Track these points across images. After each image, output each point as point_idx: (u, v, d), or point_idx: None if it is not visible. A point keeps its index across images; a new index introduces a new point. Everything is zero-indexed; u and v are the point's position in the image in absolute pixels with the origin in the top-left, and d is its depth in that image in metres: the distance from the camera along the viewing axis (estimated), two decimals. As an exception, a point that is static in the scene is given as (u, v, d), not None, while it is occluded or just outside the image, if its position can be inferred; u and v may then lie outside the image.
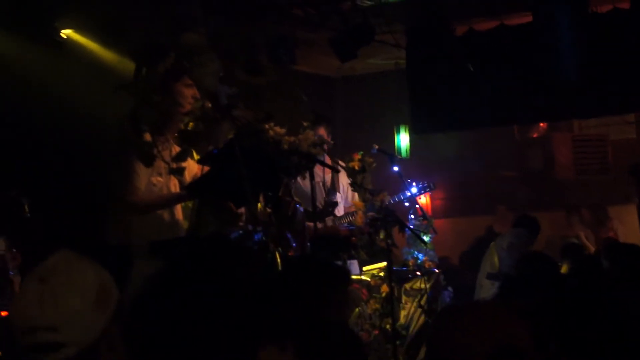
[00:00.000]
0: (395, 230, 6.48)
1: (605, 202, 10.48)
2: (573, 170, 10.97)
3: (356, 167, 6.85)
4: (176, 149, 4.62)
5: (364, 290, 6.73)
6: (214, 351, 1.67)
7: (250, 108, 4.62)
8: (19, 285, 5.30)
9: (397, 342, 6.37)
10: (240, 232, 4.61)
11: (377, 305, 6.68)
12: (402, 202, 7.55)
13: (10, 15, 6.45)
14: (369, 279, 6.80)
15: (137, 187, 4.50)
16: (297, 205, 5.06)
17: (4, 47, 6.55)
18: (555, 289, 4.02)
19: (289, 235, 4.90)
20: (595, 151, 11.08)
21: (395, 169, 7.41)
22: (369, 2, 7.72)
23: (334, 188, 7.08)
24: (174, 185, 4.66)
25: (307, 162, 5.08)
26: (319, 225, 6.00)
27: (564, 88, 7.42)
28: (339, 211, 6.98)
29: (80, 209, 6.46)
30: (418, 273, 7.25)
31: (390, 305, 6.26)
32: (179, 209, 4.68)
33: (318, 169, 6.25)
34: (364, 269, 6.90)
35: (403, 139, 10.59)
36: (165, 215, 4.62)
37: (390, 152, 8.07)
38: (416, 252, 7.77)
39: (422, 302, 7.03)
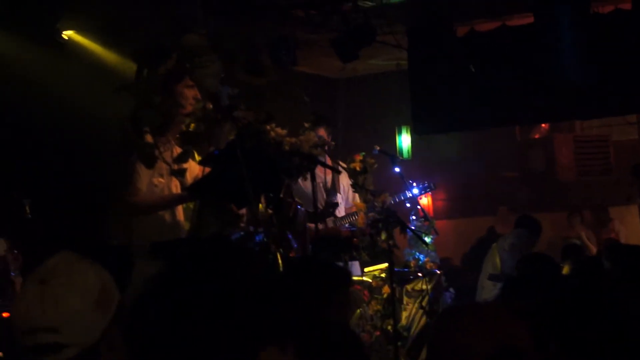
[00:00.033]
0: (396, 231, 6.48)
1: (607, 203, 10.48)
2: (575, 171, 10.97)
3: (357, 168, 6.85)
4: (177, 150, 4.63)
5: (366, 292, 6.72)
6: (214, 352, 1.67)
7: (251, 109, 4.62)
8: (20, 287, 5.31)
9: (399, 343, 6.36)
10: (242, 233, 4.61)
11: (379, 307, 6.67)
12: (403, 202, 7.55)
13: (12, 17, 6.45)
14: (370, 280, 6.80)
15: (138, 188, 4.51)
16: (299, 207, 5.06)
17: (6, 48, 6.56)
18: (557, 290, 4.02)
19: (290, 236, 4.90)
20: (597, 152, 11.07)
21: (397, 169, 7.40)
22: (370, 3, 7.72)
23: (334, 189, 7.08)
24: (175, 186, 4.67)
25: (308, 164, 5.08)
26: (320, 226, 6.00)
27: (565, 89, 7.41)
28: (340, 212, 6.98)
29: (82, 210, 6.46)
30: (419, 274, 7.24)
31: (392, 306, 6.26)
32: (180, 210, 4.69)
33: (319, 170, 6.25)
34: (366, 270, 6.90)
35: (404, 140, 10.59)
36: (167, 216, 4.62)
37: (391, 153, 8.07)
38: (417, 253, 7.77)
39: (424, 303, 7.02)
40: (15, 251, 5.66)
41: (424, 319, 6.99)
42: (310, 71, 10.12)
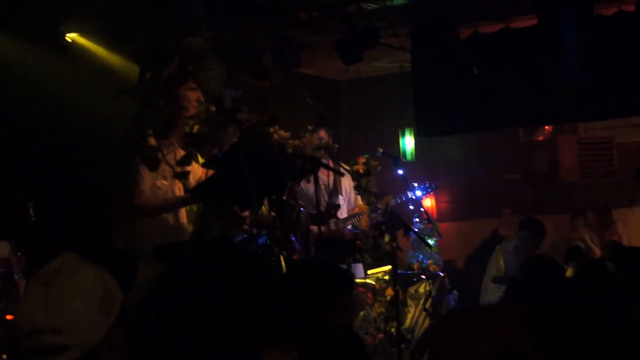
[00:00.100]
0: (400, 233, 6.48)
1: (610, 205, 10.47)
2: (578, 173, 10.96)
3: (361, 171, 6.85)
4: (181, 152, 4.63)
5: (369, 294, 6.72)
6: (217, 354, 1.68)
7: (254, 111, 4.62)
8: (24, 289, 5.32)
9: (402, 346, 6.36)
10: (245, 235, 4.61)
11: (382, 309, 6.67)
12: (406, 204, 7.55)
13: (15, 19, 6.47)
14: (373, 283, 6.80)
15: (142, 190, 4.51)
16: (302, 209, 5.06)
17: (10, 50, 6.57)
18: (560, 292, 4.01)
19: (293, 239, 4.90)
20: (601, 154, 11.06)
21: (400, 172, 7.40)
22: (373, 6, 7.73)
23: (336, 190, 7.08)
24: (179, 189, 4.67)
25: (311, 166, 5.08)
26: (323, 228, 6.00)
27: (568, 91, 7.41)
28: (342, 214, 6.98)
29: (85, 213, 6.47)
30: (423, 276, 7.24)
31: (395, 308, 6.26)
32: (183, 213, 4.69)
33: (321, 172, 6.25)
34: (369, 272, 6.90)
35: (408, 142, 10.59)
36: (170, 218, 4.63)
37: (395, 155, 8.07)
38: (421, 256, 7.78)
39: (427, 306, 7.02)
40: (19, 254, 5.67)
41: (427, 321, 6.98)
42: (313, 73, 10.13)
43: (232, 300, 1.71)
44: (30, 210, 5.79)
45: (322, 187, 6.72)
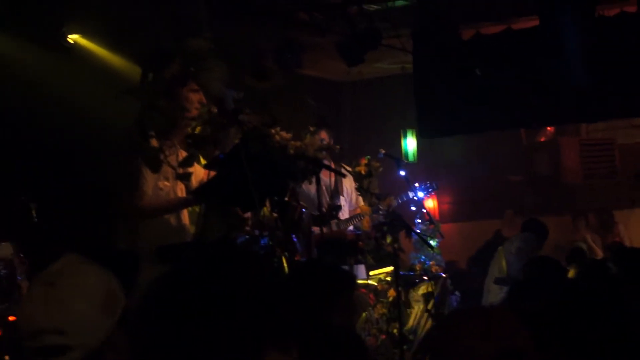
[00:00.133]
0: (402, 234, 6.48)
1: (612, 206, 10.46)
2: (580, 174, 10.96)
3: (363, 172, 6.85)
4: (183, 153, 4.63)
5: (371, 295, 6.73)
6: (218, 354, 1.68)
7: (256, 112, 4.63)
8: (26, 290, 5.31)
9: (405, 347, 6.36)
10: (247, 236, 4.62)
11: (384, 310, 6.67)
12: (407, 204, 7.55)
13: (17, 21, 6.47)
14: (375, 284, 6.80)
15: (144, 191, 4.52)
16: (304, 210, 5.06)
17: (12, 51, 6.58)
18: (562, 293, 4.02)
19: (295, 240, 4.90)
20: (603, 155, 11.06)
21: (402, 173, 7.40)
22: (375, 7, 7.73)
23: (337, 191, 7.08)
24: (181, 190, 4.67)
25: (313, 167, 5.09)
26: (325, 229, 6.00)
27: (570, 91, 7.41)
28: (343, 215, 6.98)
29: (88, 214, 6.48)
30: (425, 277, 7.24)
31: (397, 309, 6.26)
32: (185, 214, 4.69)
33: (322, 173, 6.26)
34: (371, 273, 6.91)
35: (410, 143, 10.59)
36: (172, 219, 4.63)
37: (397, 156, 8.07)
38: (423, 257, 7.78)
39: (430, 307, 7.02)
40: (22, 255, 5.67)
41: (429, 322, 6.98)
42: (315, 74, 10.13)
43: (233, 301, 1.72)
44: (33, 212, 5.80)
45: (324, 188, 6.73)
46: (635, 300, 3.20)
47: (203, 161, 4.70)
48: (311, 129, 6.50)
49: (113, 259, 2.20)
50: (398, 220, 6.30)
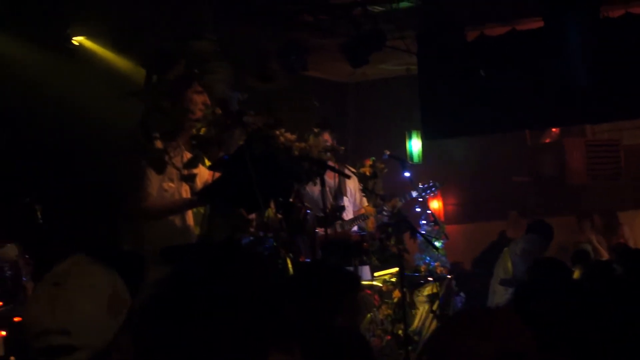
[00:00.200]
0: (406, 235, 6.48)
1: (617, 207, 10.44)
2: (585, 175, 10.93)
3: (367, 173, 6.86)
4: (187, 155, 4.64)
5: (376, 296, 6.73)
6: (222, 355, 1.68)
7: (260, 114, 4.64)
8: (32, 291, 5.32)
9: (410, 348, 6.36)
10: (251, 237, 4.63)
11: (389, 311, 6.67)
12: (411, 205, 7.55)
13: (22, 23, 6.48)
14: (380, 285, 6.80)
15: (148, 193, 4.53)
16: (308, 211, 5.07)
17: (17, 53, 6.59)
18: (567, 295, 4.01)
19: (299, 241, 4.91)
20: (608, 156, 11.03)
21: (407, 174, 7.40)
22: (379, 8, 7.73)
23: (340, 192, 7.08)
24: (185, 191, 4.68)
25: (317, 168, 5.09)
26: (329, 230, 6.01)
27: (575, 93, 7.40)
28: (347, 215, 6.98)
29: (93, 216, 6.49)
30: (430, 278, 7.24)
31: (402, 310, 6.26)
32: (190, 215, 4.70)
33: (326, 174, 6.27)
34: (376, 274, 6.90)
35: (415, 144, 10.58)
36: (177, 221, 4.64)
37: (401, 157, 8.07)
38: (428, 258, 7.77)
39: (434, 308, 7.02)
40: (27, 256, 5.68)
41: (434, 323, 6.98)
42: (319, 76, 10.13)
43: (237, 302, 1.72)
44: (38, 213, 5.81)
45: (327, 189, 6.74)
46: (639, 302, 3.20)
47: (207, 162, 4.71)
48: (315, 130, 6.51)
49: (118, 260, 2.20)
50: (403, 222, 6.30)
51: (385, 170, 7.03)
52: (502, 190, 11.13)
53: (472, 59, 7.89)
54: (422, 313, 7.06)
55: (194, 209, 4.73)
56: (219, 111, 4.59)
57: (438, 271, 7.50)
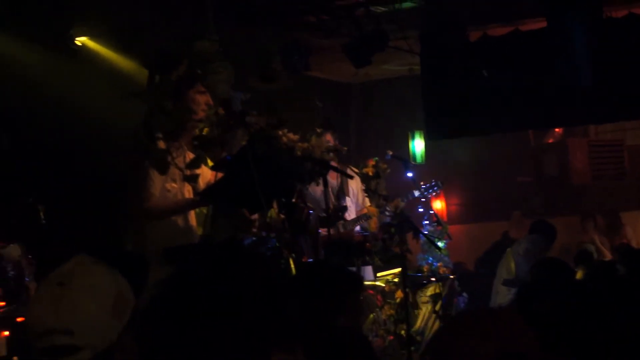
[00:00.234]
0: (409, 236, 6.47)
1: (620, 208, 10.44)
2: (589, 175, 10.93)
3: (370, 173, 6.85)
4: (190, 155, 4.64)
5: (379, 296, 6.72)
6: (224, 355, 1.69)
7: (263, 114, 4.64)
8: (34, 291, 5.33)
9: (412, 348, 6.36)
10: (254, 238, 4.63)
11: (392, 311, 6.67)
12: (414, 205, 7.55)
13: (25, 23, 6.49)
14: (383, 285, 6.80)
15: (151, 193, 4.53)
16: (311, 211, 5.07)
17: (20, 54, 6.60)
18: (570, 295, 4.01)
19: (302, 241, 4.91)
20: (611, 156, 11.03)
21: (410, 174, 7.40)
22: (382, 9, 7.73)
23: (342, 192, 7.08)
24: (188, 192, 4.69)
25: (320, 169, 5.10)
26: (332, 230, 6.00)
27: (578, 93, 7.40)
28: (349, 216, 6.98)
29: (96, 216, 6.49)
30: (432, 279, 7.24)
31: (405, 310, 6.25)
32: (192, 215, 4.70)
33: (329, 174, 6.27)
34: (378, 274, 6.90)
35: (418, 145, 10.59)
36: (179, 221, 4.64)
37: (404, 158, 8.07)
38: (430, 258, 7.78)
39: (437, 308, 7.02)
40: (30, 256, 5.69)
41: (437, 323, 6.98)
42: (322, 76, 10.13)
43: (240, 302, 1.72)
44: (41, 214, 5.82)
45: (330, 189, 6.74)
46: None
47: (210, 163, 4.71)
48: (317, 130, 6.51)
49: (121, 260, 2.20)
50: (406, 222, 6.30)
51: (388, 171, 7.02)
52: (505, 190, 11.13)
53: (475, 59, 7.88)
54: (424, 313, 7.06)
55: (197, 209, 4.73)
56: (221, 111, 4.59)
57: (441, 271, 7.51)
